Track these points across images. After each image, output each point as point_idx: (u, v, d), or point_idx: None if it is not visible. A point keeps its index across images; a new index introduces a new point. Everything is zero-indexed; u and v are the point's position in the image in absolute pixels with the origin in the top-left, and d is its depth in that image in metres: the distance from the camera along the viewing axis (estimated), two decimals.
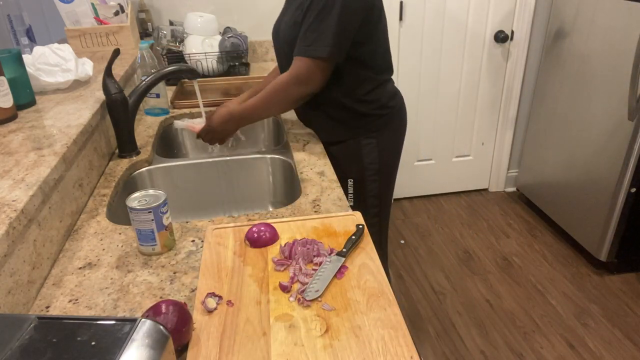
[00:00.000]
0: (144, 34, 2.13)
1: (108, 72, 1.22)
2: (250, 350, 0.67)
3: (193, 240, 0.96)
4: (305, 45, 1.21)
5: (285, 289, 0.78)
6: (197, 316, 0.74)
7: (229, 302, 0.76)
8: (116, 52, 1.24)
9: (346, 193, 1.41)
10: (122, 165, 1.29)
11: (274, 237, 0.91)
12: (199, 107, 1.68)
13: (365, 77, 1.32)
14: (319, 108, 1.37)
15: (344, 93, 1.33)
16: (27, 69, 1.24)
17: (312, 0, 1.18)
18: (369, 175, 1.43)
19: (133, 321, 0.49)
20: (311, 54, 1.20)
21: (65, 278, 0.87)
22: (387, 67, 1.39)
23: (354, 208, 1.39)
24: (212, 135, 1.37)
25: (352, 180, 1.42)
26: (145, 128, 1.53)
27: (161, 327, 0.50)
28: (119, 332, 0.48)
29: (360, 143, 1.39)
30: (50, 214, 0.92)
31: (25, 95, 1.21)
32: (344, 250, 0.85)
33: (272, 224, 0.94)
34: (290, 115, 1.62)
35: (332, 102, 1.34)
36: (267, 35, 2.32)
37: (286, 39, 1.30)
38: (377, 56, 1.33)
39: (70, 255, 0.93)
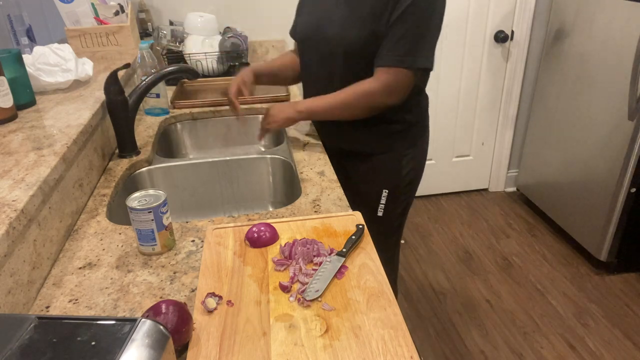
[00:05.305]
0: (144, 34, 2.13)
1: (114, 77, 1.22)
2: (250, 350, 0.67)
3: (193, 240, 0.96)
4: (400, 55, 1.14)
5: (285, 289, 0.78)
6: (197, 316, 0.74)
7: (229, 302, 0.76)
8: (127, 66, 1.27)
9: (377, 204, 1.39)
10: (122, 165, 1.29)
11: (274, 237, 0.91)
12: (199, 107, 1.69)
13: (415, 86, 1.26)
14: (374, 120, 1.29)
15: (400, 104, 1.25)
16: (27, 69, 1.24)
17: (408, 7, 1.10)
18: (403, 186, 1.39)
19: (133, 321, 0.49)
20: (409, 65, 1.14)
21: (65, 278, 0.87)
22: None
23: (381, 219, 1.41)
24: (268, 113, 1.30)
25: (387, 191, 1.38)
26: (145, 128, 1.53)
27: (161, 327, 0.50)
28: (119, 332, 0.48)
29: (402, 154, 1.35)
30: (50, 214, 0.92)
31: (25, 95, 1.21)
32: (344, 250, 0.85)
33: (272, 224, 0.94)
34: None
35: (389, 112, 1.27)
36: (267, 35, 2.32)
37: (344, 40, 1.20)
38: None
39: (70, 255, 0.93)
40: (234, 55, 2.05)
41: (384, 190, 1.38)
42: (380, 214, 1.40)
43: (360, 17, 1.16)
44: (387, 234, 1.49)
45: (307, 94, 1.39)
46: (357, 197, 1.35)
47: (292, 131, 1.49)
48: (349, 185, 1.34)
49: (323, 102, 1.24)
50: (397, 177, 1.37)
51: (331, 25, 1.22)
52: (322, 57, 1.28)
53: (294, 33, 1.41)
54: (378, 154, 1.35)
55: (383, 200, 1.39)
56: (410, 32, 1.12)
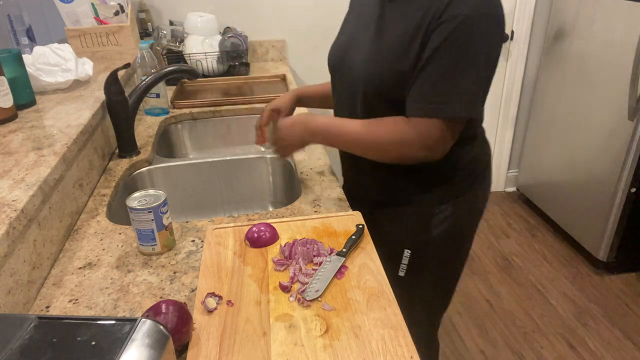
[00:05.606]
0: (144, 34, 2.13)
1: (114, 77, 1.22)
2: (250, 350, 0.67)
3: (193, 240, 0.96)
4: (433, 103, 0.88)
5: (285, 288, 0.78)
6: (197, 316, 0.74)
7: (229, 302, 0.76)
8: (127, 65, 1.26)
9: (398, 262, 1.14)
10: (122, 165, 1.29)
11: (274, 237, 0.91)
12: (199, 107, 1.69)
13: (463, 130, 0.98)
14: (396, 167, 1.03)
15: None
16: (27, 69, 1.24)
17: (442, 44, 0.85)
18: (434, 248, 1.12)
19: (133, 321, 0.49)
20: (445, 116, 0.89)
21: (65, 278, 0.87)
22: (483, 115, 1.06)
23: (402, 279, 1.14)
24: (277, 137, 1.07)
25: (409, 252, 1.12)
26: (145, 128, 1.53)
27: (161, 327, 0.50)
28: (119, 332, 0.48)
29: (432, 210, 1.08)
30: (50, 214, 0.92)
31: (25, 95, 1.21)
32: (344, 250, 0.85)
33: (272, 224, 0.94)
34: None
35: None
36: (267, 35, 2.32)
37: (364, 76, 0.97)
38: (483, 103, 1.01)
39: (70, 255, 0.93)
40: (234, 55, 2.05)
41: (405, 250, 1.12)
42: (401, 273, 1.14)
43: (384, 50, 0.94)
44: (411, 300, 1.15)
45: None
46: (379, 245, 1.01)
47: None
48: (371, 226, 1.01)
49: (345, 131, 0.99)
50: (424, 236, 1.10)
51: (357, 53, 1.00)
52: (345, 89, 1.07)
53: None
54: (402, 204, 1.10)
55: (405, 261, 1.13)
56: (445, 74, 0.87)
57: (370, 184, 1.13)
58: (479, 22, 0.84)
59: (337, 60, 1.07)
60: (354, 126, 0.99)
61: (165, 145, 1.61)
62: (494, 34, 0.88)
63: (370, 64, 0.96)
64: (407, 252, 1.12)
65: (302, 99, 1.25)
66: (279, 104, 1.21)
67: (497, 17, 0.87)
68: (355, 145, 1.00)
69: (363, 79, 0.97)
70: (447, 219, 1.08)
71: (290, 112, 1.23)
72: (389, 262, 1.09)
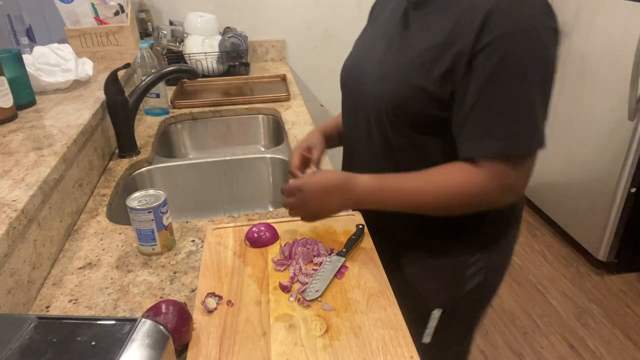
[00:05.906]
0: (144, 34, 2.13)
1: (114, 77, 1.22)
2: (250, 350, 0.67)
3: (193, 240, 0.96)
4: (508, 136, 0.74)
5: (285, 289, 0.78)
6: (197, 316, 0.74)
7: (229, 302, 0.76)
8: (127, 65, 1.26)
9: (422, 325, 0.97)
10: (122, 165, 1.29)
11: (274, 237, 0.91)
12: (199, 107, 1.69)
13: None
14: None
15: None
16: (27, 69, 1.24)
17: (499, 66, 0.71)
18: (465, 305, 0.97)
19: (133, 321, 0.49)
20: (526, 148, 0.75)
21: (65, 278, 0.87)
22: None
23: (427, 347, 0.98)
24: (298, 201, 0.85)
25: (440, 311, 0.96)
26: (145, 128, 1.53)
27: (161, 327, 0.50)
28: (119, 332, 0.48)
29: (466, 262, 0.93)
30: (50, 214, 0.92)
31: (25, 95, 1.21)
32: (344, 250, 0.85)
33: (272, 224, 0.94)
34: (291, 115, 1.61)
35: None
36: (267, 35, 2.32)
37: (378, 94, 0.85)
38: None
39: (70, 255, 0.93)
40: (234, 55, 2.05)
41: (435, 310, 0.96)
42: (426, 340, 0.98)
43: (405, 65, 0.81)
44: None
45: (346, 153, 1.03)
46: (401, 303, 0.78)
47: (292, 131, 1.49)
48: (394, 278, 0.84)
49: (404, 192, 0.82)
50: (455, 292, 0.95)
51: (373, 69, 0.87)
52: (358, 111, 0.93)
53: None
54: (432, 256, 0.95)
55: (433, 323, 0.96)
56: (510, 103, 0.73)
57: (399, 223, 0.94)
58: (535, 34, 0.74)
59: (351, 77, 0.94)
60: (412, 183, 0.81)
61: (165, 145, 1.61)
62: (552, 45, 0.77)
63: (387, 80, 0.83)
64: (437, 312, 0.95)
65: (329, 137, 1.05)
66: (310, 141, 1.01)
67: (553, 26, 0.77)
68: (417, 205, 0.82)
69: (380, 98, 0.84)
70: (482, 270, 0.93)
71: (323, 149, 1.02)
72: (412, 323, 0.88)
